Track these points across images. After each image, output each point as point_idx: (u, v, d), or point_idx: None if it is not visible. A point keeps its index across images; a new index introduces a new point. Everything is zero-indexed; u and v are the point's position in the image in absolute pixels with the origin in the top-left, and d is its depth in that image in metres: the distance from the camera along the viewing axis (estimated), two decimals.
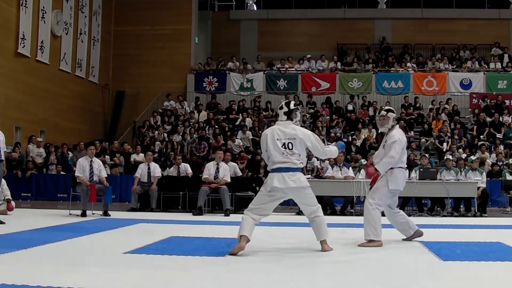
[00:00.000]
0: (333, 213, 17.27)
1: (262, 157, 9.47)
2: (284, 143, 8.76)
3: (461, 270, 7.50)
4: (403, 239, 10.39)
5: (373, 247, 9.47)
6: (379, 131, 10.66)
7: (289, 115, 8.99)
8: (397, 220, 10.35)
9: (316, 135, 9.12)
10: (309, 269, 7.56)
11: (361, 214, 16.65)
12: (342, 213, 17.41)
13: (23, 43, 23.74)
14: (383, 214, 10.07)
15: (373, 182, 10.12)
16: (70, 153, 23.37)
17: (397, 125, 10.27)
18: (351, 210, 17.51)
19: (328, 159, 17.74)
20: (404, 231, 10.43)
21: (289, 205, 19.92)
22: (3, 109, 18.80)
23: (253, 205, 8.85)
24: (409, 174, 17.85)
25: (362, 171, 17.86)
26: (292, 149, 8.74)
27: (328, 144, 10.37)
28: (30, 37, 24.18)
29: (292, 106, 9.03)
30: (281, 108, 9.08)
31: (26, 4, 23.73)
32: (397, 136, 9.92)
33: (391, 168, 9.84)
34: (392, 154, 9.75)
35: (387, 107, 10.42)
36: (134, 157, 22.83)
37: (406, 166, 10.29)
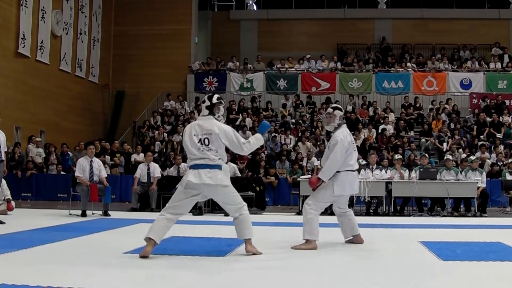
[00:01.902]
0: (333, 213, 17.25)
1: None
2: (200, 139, 8.39)
3: (461, 270, 7.51)
4: (346, 241, 10.02)
5: (307, 250, 9.11)
6: (326, 130, 10.20)
7: (211, 109, 8.60)
8: (343, 220, 9.94)
9: (235, 131, 8.70)
10: (312, 270, 7.57)
11: (361, 214, 16.82)
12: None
13: (23, 43, 23.74)
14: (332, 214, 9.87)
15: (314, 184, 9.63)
16: (70, 153, 23.36)
17: (344, 125, 9.78)
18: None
19: None
20: (344, 232, 10.01)
21: (289, 205, 20.01)
22: (3, 109, 18.76)
23: (169, 203, 8.48)
24: (409, 174, 17.89)
25: (362, 171, 17.87)
26: (208, 144, 8.36)
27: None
28: (30, 37, 24.18)
29: (214, 100, 8.63)
30: (204, 102, 8.71)
31: (26, 4, 23.72)
32: (340, 136, 9.46)
33: (338, 172, 9.42)
34: (336, 157, 9.32)
35: (334, 105, 10.14)
36: (134, 157, 22.85)
37: (355, 168, 9.80)
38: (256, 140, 8.73)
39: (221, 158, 8.43)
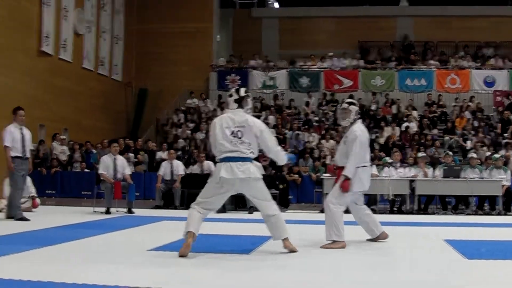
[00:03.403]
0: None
1: (211, 147, 8.77)
2: (233, 131, 8.24)
3: (486, 268, 7.46)
4: (368, 239, 9.98)
5: (336, 248, 9.03)
6: (341, 125, 10.05)
7: (240, 102, 8.48)
8: (363, 219, 9.89)
9: (268, 129, 8.72)
10: (335, 269, 7.56)
11: (384, 213, 16.76)
12: None
13: (46, 41, 23.84)
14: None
15: (336, 180, 9.60)
16: (94, 150, 23.48)
17: (359, 120, 9.72)
18: (375, 208, 17.46)
19: None
20: (370, 231, 9.95)
21: (312, 203, 19.99)
22: (27, 108, 18.68)
23: (200, 198, 8.41)
24: (433, 172, 17.80)
25: (386, 169, 17.82)
26: (241, 137, 8.23)
27: None
28: (53, 35, 24.29)
29: (242, 93, 8.54)
30: (231, 95, 8.57)
31: (48, 2, 23.81)
32: (358, 132, 9.38)
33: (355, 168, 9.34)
34: (356, 153, 9.24)
35: (349, 100, 10.01)
36: (160, 154, 22.95)
37: (370, 163, 9.86)
38: (283, 154, 8.75)
39: (252, 152, 8.31)
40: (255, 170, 8.34)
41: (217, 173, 8.24)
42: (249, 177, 8.22)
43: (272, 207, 8.46)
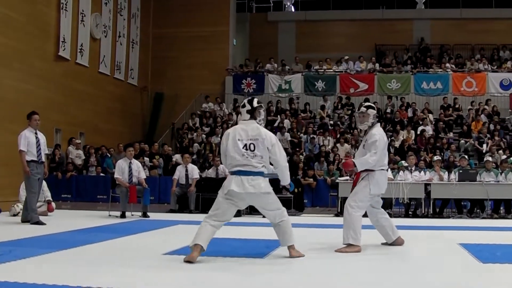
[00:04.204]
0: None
1: (221, 159, 8.77)
2: (245, 144, 8.19)
3: (501, 272, 7.44)
4: (383, 243, 9.97)
5: (352, 253, 9.03)
6: (359, 129, 10.03)
7: (252, 113, 8.43)
8: (380, 222, 9.85)
9: (279, 143, 8.54)
10: (350, 273, 7.56)
11: (399, 216, 16.73)
12: None
13: (64, 46, 23.95)
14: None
15: (354, 183, 9.65)
16: (109, 155, 23.58)
17: (378, 123, 9.77)
18: (390, 212, 17.44)
19: None
20: (386, 235, 9.92)
21: (327, 207, 19.98)
22: (43, 112, 18.90)
23: (211, 211, 8.29)
24: (449, 176, 17.74)
25: (401, 172, 17.80)
26: (254, 150, 8.17)
27: None
28: (70, 40, 24.39)
29: (255, 104, 8.45)
30: (244, 106, 8.51)
31: (66, 7, 23.94)
32: (378, 135, 9.43)
33: (372, 171, 9.36)
34: (374, 156, 9.26)
35: (367, 104, 9.96)
36: (176, 158, 23.05)
37: (387, 167, 9.87)
38: (287, 174, 8.59)
39: (264, 166, 8.26)
40: (266, 185, 8.27)
41: (228, 185, 8.18)
42: (260, 192, 8.18)
43: (280, 215, 8.42)
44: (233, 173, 8.21)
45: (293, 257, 8.37)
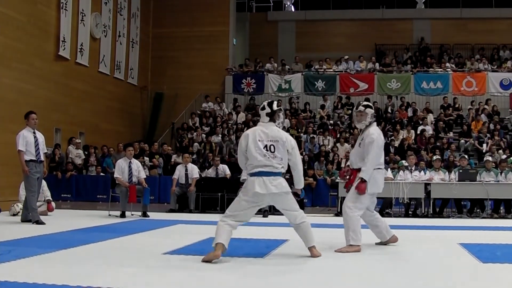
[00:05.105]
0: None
1: (238, 159, 8.78)
2: (266, 145, 8.24)
3: (501, 272, 7.44)
4: (377, 243, 10.00)
5: (351, 252, 9.08)
6: (357, 127, 10.01)
7: (272, 116, 8.48)
8: (373, 223, 9.90)
9: (297, 148, 8.67)
10: (350, 273, 7.56)
11: (399, 216, 16.73)
12: (381, 214, 17.28)
13: (63, 45, 23.94)
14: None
15: (350, 182, 9.67)
16: (109, 154, 23.58)
17: (375, 122, 9.78)
18: (390, 212, 17.43)
19: None
20: (379, 233, 9.97)
21: (327, 206, 19.98)
22: (43, 111, 18.96)
23: (230, 212, 8.30)
24: (449, 176, 17.74)
25: (401, 172, 17.80)
26: (274, 151, 8.23)
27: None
28: (70, 39, 24.38)
29: (275, 107, 8.51)
30: (263, 109, 8.57)
31: (66, 7, 23.93)
32: (375, 135, 9.45)
33: None
34: (374, 156, 9.33)
35: (365, 103, 9.99)
36: (175, 158, 23.07)
37: (384, 166, 9.91)
38: (301, 178, 8.74)
39: (283, 167, 8.32)
40: (286, 185, 8.35)
41: (251, 187, 8.20)
42: (282, 192, 8.25)
43: (300, 216, 8.49)
44: (253, 174, 8.25)
45: (314, 256, 8.46)
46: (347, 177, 9.80)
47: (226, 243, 8.05)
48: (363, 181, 9.28)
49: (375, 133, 9.50)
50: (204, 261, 7.90)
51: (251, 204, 8.27)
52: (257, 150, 8.24)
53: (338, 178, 18.14)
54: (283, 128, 9.43)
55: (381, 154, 9.63)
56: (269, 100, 8.80)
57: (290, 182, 8.72)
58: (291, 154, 8.37)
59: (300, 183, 8.73)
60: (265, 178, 8.16)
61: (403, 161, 18.63)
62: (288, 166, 8.47)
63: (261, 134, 8.33)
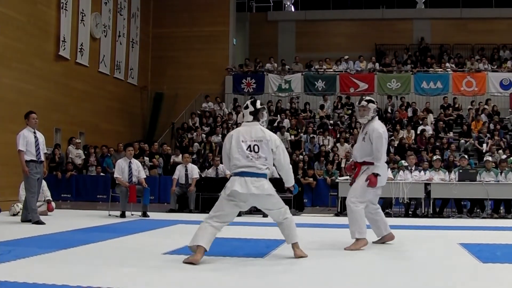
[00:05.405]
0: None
1: (222, 161, 8.67)
2: (249, 145, 8.10)
3: (501, 272, 7.44)
4: (374, 242, 9.98)
5: (359, 250, 9.18)
6: (360, 122, 10.07)
7: (256, 115, 8.34)
8: (374, 216, 9.89)
9: (283, 146, 8.50)
10: (350, 272, 7.56)
11: (399, 216, 16.73)
12: None
13: (64, 45, 23.94)
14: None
15: (355, 176, 9.74)
16: (109, 154, 23.57)
17: (376, 117, 9.83)
18: (390, 212, 17.42)
19: None
20: (377, 229, 10.00)
21: (327, 207, 19.97)
22: (43, 111, 18.97)
23: (213, 212, 8.13)
24: (449, 176, 17.74)
25: (401, 172, 17.80)
26: (258, 152, 8.08)
27: None
28: (70, 39, 24.38)
29: (258, 105, 8.38)
30: (247, 107, 8.43)
31: (66, 7, 23.94)
32: (381, 129, 9.57)
33: (372, 164, 9.46)
34: (382, 151, 9.44)
35: (368, 98, 10.00)
36: (173, 158, 23.04)
37: (386, 159, 9.89)
38: (291, 176, 8.58)
39: (268, 168, 8.18)
40: (269, 187, 8.20)
41: (230, 186, 8.07)
42: (264, 194, 8.10)
43: (283, 213, 8.36)
44: (236, 174, 8.11)
45: (297, 256, 8.33)
46: (354, 170, 9.83)
47: (208, 245, 7.91)
48: (375, 175, 9.37)
49: (380, 127, 9.61)
50: (185, 262, 7.79)
51: (231, 203, 8.11)
52: (239, 151, 8.12)
53: (338, 178, 18.16)
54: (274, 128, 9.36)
55: (385, 149, 9.69)
56: (252, 99, 8.68)
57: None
58: (275, 153, 8.24)
59: (289, 181, 8.60)
60: (247, 178, 8.02)
61: (403, 161, 18.63)
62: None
63: (244, 134, 8.23)
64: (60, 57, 23.88)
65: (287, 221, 8.34)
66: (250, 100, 8.58)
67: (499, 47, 31.61)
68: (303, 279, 7.02)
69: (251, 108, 8.39)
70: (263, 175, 8.13)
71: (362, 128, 9.86)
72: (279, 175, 8.69)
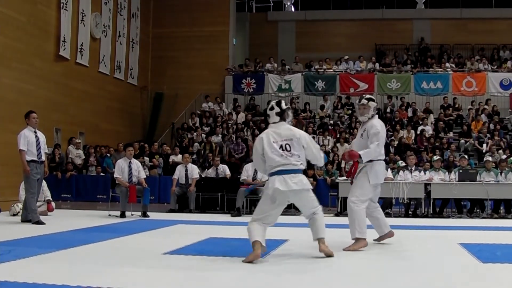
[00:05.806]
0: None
1: (254, 164, 8.80)
2: (281, 145, 8.22)
3: (501, 272, 7.43)
4: (374, 240, 10.03)
5: (358, 251, 9.18)
6: (360, 120, 10.14)
7: (282, 115, 8.45)
8: (374, 215, 9.92)
9: (311, 137, 8.76)
10: (350, 272, 7.56)
11: (399, 216, 16.72)
12: None
13: (64, 46, 23.94)
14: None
15: (352, 174, 9.77)
16: (108, 154, 23.57)
17: (376, 115, 9.91)
18: (390, 212, 17.41)
19: None
20: (378, 227, 10.03)
21: (327, 207, 19.93)
22: (43, 111, 18.96)
23: (257, 215, 8.26)
24: (449, 176, 17.73)
25: (401, 172, 17.79)
26: (290, 150, 8.20)
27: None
28: (70, 40, 24.38)
29: (283, 106, 8.50)
30: (272, 108, 8.51)
31: (66, 7, 23.94)
32: (379, 126, 9.61)
33: (371, 161, 9.48)
34: (377, 147, 9.44)
35: (368, 96, 10.07)
36: (173, 158, 23.01)
37: (384, 157, 9.95)
38: (323, 157, 8.71)
39: (302, 163, 8.29)
40: (307, 181, 8.35)
41: (271, 185, 8.15)
42: (303, 189, 8.23)
43: (316, 208, 8.46)
44: (273, 173, 8.21)
45: (321, 251, 8.40)
46: (350, 162, 9.88)
47: (263, 240, 8.04)
48: (359, 156, 9.39)
49: (378, 125, 9.66)
50: (245, 262, 7.86)
51: (274, 203, 8.21)
52: (273, 151, 8.22)
53: (338, 178, 18.15)
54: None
55: (383, 147, 9.72)
56: (276, 100, 8.75)
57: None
58: (307, 149, 8.39)
59: (322, 163, 8.92)
60: (285, 175, 8.12)
61: (400, 162, 18.64)
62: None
63: (274, 135, 8.32)
64: (60, 57, 23.88)
65: (317, 216, 8.44)
66: (274, 101, 8.68)
67: (499, 47, 31.60)
68: (303, 279, 7.01)
69: (277, 109, 8.49)
70: (299, 171, 8.27)
71: (362, 125, 9.94)
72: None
